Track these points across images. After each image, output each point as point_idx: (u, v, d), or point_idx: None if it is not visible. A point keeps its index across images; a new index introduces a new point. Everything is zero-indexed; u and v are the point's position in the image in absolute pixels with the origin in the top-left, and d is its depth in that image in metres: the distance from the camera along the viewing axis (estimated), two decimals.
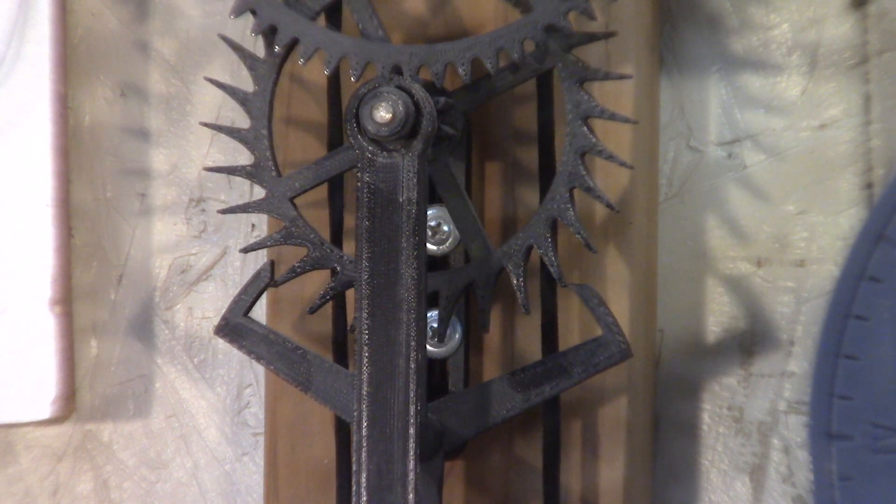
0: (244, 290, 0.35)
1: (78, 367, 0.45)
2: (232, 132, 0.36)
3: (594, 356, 0.33)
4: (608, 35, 0.34)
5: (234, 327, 0.35)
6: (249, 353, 0.35)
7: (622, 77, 0.33)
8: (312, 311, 0.35)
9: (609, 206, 0.33)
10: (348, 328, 0.38)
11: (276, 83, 0.36)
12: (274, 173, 0.35)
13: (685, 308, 0.40)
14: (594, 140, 0.33)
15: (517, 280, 0.34)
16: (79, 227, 0.45)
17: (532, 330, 0.37)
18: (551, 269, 0.33)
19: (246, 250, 0.35)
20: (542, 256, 0.33)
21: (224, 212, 0.36)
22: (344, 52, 0.33)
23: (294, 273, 0.35)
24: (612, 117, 0.33)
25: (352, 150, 0.34)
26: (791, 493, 0.39)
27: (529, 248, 0.34)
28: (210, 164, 0.45)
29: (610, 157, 0.33)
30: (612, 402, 0.37)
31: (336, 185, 0.39)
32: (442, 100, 0.33)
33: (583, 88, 0.33)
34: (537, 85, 0.36)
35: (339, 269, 0.35)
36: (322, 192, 0.39)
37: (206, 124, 0.36)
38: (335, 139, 0.38)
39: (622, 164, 0.33)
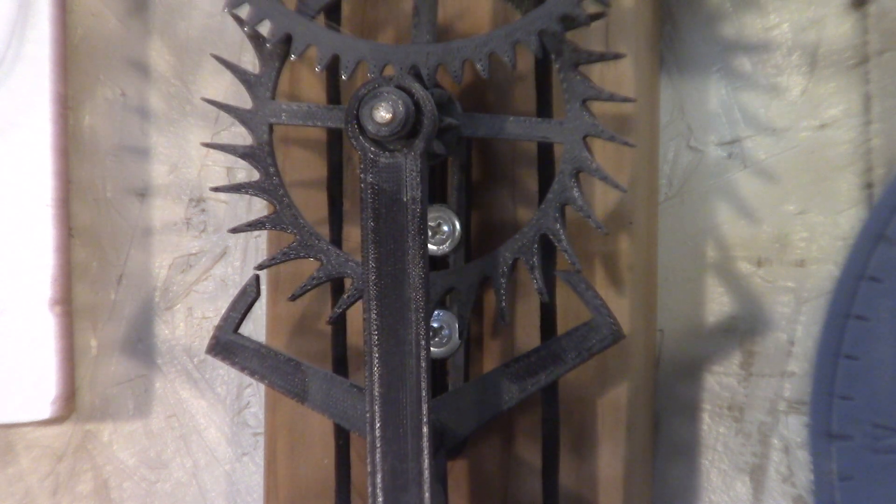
0: (232, 308, 0.35)
1: (78, 367, 0.45)
2: (252, 37, 0.35)
3: (586, 340, 0.33)
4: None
5: (226, 345, 0.35)
6: (243, 369, 0.35)
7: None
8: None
9: (598, 226, 0.33)
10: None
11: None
12: (269, 94, 0.35)
13: (685, 308, 0.40)
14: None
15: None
16: (79, 227, 0.45)
17: (531, 328, 0.37)
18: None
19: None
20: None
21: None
22: (361, 55, 0.33)
23: (240, 190, 0.35)
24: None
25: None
26: (791, 493, 0.39)
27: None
28: (210, 164, 0.45)
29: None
30: (613, 401, 0.37)
31: (335, 185, 0.39)
32: (447, 120, 0.33)
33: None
34: (536, 84, 0.36)
35: (276, 205, 0.35)
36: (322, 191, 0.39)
37: (233, 12, 0.35)
38: (335, 146, 0.38)
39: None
